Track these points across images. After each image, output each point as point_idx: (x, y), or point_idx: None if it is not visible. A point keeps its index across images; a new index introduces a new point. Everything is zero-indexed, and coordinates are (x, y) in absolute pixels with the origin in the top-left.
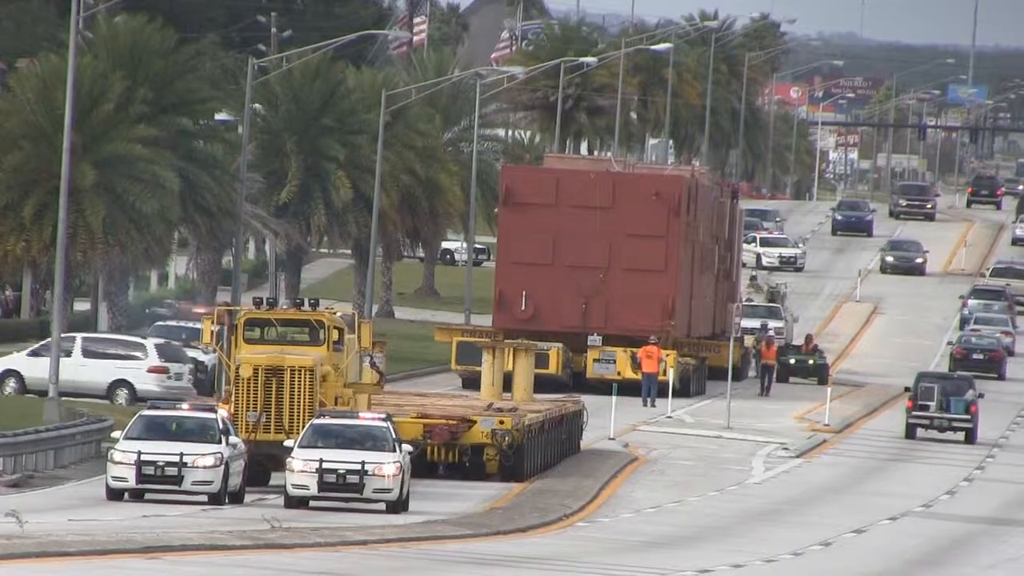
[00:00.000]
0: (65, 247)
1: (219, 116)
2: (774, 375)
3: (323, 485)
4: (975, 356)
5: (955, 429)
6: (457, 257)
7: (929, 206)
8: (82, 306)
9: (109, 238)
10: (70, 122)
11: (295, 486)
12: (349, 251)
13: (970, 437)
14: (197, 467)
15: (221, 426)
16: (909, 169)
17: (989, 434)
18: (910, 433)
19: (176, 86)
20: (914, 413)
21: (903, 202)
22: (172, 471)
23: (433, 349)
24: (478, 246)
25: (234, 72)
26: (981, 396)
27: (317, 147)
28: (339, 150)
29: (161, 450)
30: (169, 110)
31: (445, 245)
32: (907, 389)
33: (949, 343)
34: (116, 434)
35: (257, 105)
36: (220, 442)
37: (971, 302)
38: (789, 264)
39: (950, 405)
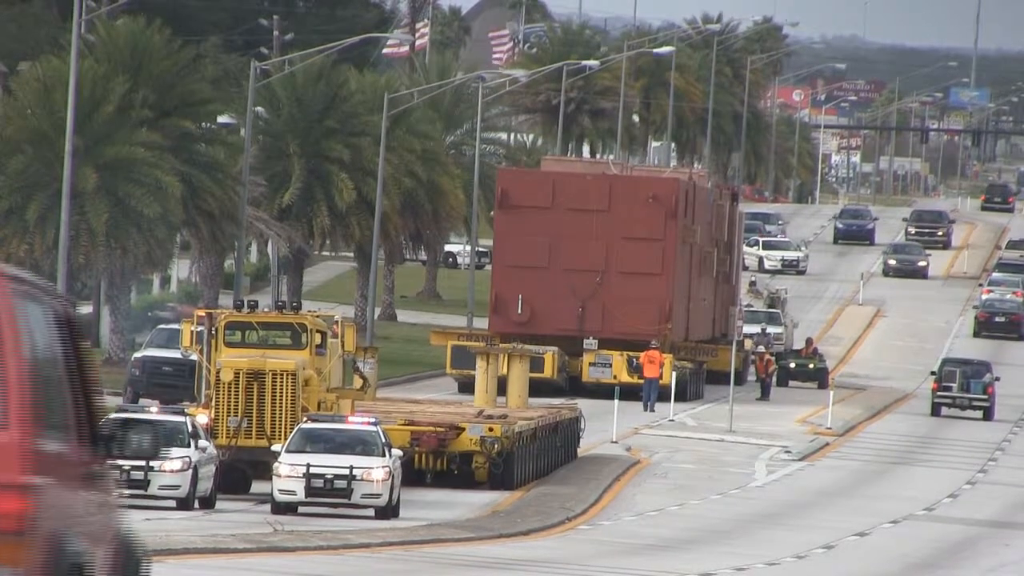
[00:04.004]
0: (67, 250)
1: (221, 119)
2: (771, 381)
3: (310, 490)
4: (997, 319)
5: (974, 408)
6: (459, 260)
7: (940, 233)
8: (84, 309)
9: (111, 241)
10: (72, 125)
11: (282, 491)
12: (351, 254)
13: (987, 415)
14: (164, 471)
15: (190, 429)
16: (911, 172)
17: (991, 437)
18: (935, 411)
19: (178, 89)
20: (938, 393)
21: (912, 230)
22: (138, 475)
23: (434, 352)
24: (480, 249)
25: (236, 75)
26: (998, 379)
27: (319, 150)
28: (342, 152)
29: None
30: (171, 113)
31: (447, 248)
32: (933, 373)
33: (974, 306)
34: None
35: (259, 108)
36: (189, 446)
37: (995, 275)
38: (791, 267)
39: (970, 386)
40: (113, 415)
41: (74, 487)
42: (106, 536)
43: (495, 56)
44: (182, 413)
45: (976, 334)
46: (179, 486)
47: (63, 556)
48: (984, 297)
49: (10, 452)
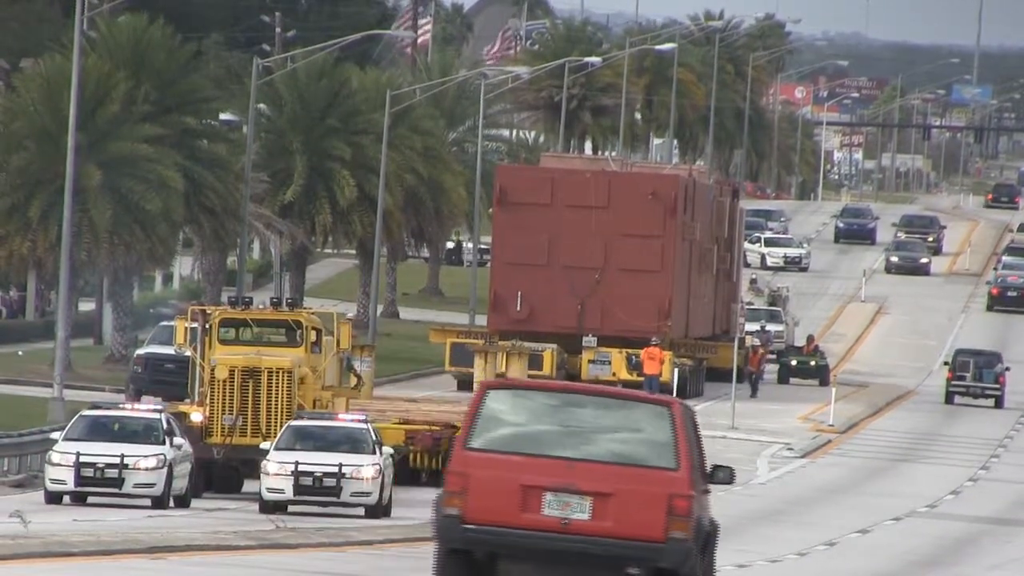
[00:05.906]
0: (70, 247)
1: (224, 116)
2: (758, 379)
3: (299, 488)
4: (1009, 294)
5: (987, 396)
6: (462, 257)
7: (931, 239)
8: (87, 306)
9: (114, 238)
10: (75, 122)
11: (270, 490)
12: (354, 251)
13: (999, 403)
14: (138, 469)
15: (165, 426)
16: (914, 169)
17: (994, 434)
18: (949, 399)
19: (180, 86)
20: (953, 382)
21: (903, 235)
22: (112, 473)
23: (436, 350)
24: (483, 246)
25: (238, 72)
26: (1008, 369)
27: (322, 147)
28: (344, 150)
29: (101, 451)
30: (173, 110)
31: (450, 245)
32: (946, 363)
33: (988, 283)
34: (56, 435)
35: (262, 105)
36: (164, 443)
37: (1005, 258)
38: (794, 264)
39: (983, 375)
40: (85, 412)
41: (702, 496)
42: (708, 518)
43: (493, 52)
44: (158, 410)
45: (989, 308)
46: (154, 484)
47: (702, 528)
48: (997, 276)
49: (684, 480)
